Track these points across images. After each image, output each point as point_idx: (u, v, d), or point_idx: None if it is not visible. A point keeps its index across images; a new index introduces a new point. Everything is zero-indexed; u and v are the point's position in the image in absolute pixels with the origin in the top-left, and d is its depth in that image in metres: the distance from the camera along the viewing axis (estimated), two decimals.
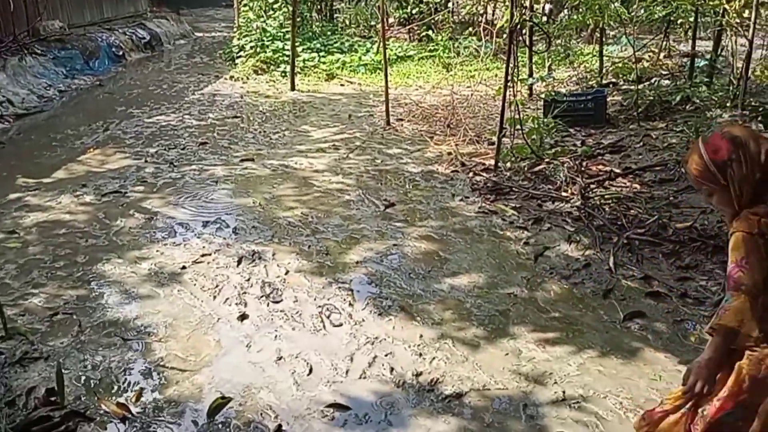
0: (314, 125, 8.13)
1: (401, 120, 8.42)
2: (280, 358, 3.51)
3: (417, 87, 10.64)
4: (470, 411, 3.14)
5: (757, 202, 2.12)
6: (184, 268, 4.47)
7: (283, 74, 11.38)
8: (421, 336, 3.72)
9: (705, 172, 2.13)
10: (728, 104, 7.40)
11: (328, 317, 3.90)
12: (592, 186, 5.79)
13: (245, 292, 4.16)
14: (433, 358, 3.53)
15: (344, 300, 4.07)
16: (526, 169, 6.26)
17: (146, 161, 6.88)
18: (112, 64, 13.08)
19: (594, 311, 4.00)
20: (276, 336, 3.72)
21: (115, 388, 3.28)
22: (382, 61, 8.38)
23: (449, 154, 6.97)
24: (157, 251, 4.73)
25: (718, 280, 4.18)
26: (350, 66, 12.20)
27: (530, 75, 8.82)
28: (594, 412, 3.12)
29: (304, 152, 7.07)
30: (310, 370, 3.42)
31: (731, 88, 7.85)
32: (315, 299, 4.08)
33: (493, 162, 6.45)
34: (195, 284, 4.27)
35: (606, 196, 5.51)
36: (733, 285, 2.13)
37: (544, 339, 3.71)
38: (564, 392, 3.25)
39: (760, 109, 6.96)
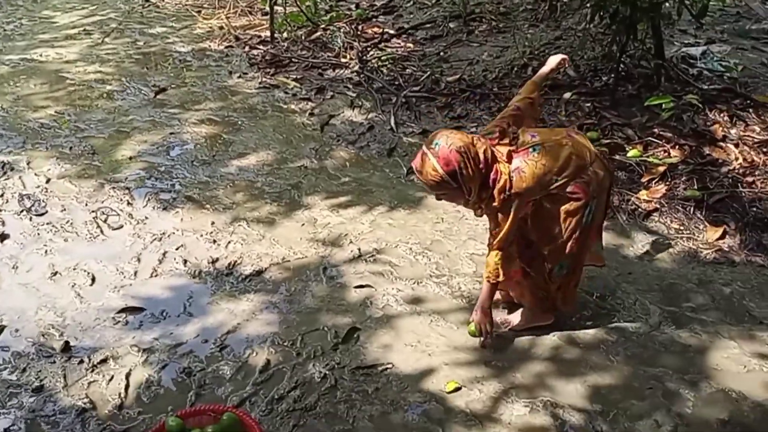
0: (58, 9, 6.99)
1: None
2: (55, 274, 3.16)
3: None
4: (271, 285, 3.14)
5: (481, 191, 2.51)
6: None
7: None
8: (213, 223, 3.57)
9: (441, 182, 2.44)
10: None
11: (104, 221, 3.56)
12: (369, 49, 5.79)
13: (1, 210, 3.62)
14: (229, 242, 3.42)
15: (121, 200, 3.73)
16: (303, 37, 6.04)
17: None
18: None
19: (380, 170, 4.13)
20: (46, 251, 3.32)
21: None
22: None
23: (221, 28, 6.45)
24: None
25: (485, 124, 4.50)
26: None
27: None
28: (388, 261, 3.29)
29: (50, 41, 6.08)
30: (93, 280, 3.14)
31: None
32: (86, 204, 3.68)
33: (269, 33, 6.12)
34: None
35: (383, 58, 5.55)
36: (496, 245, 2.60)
37: (336, 204, 3.77)
38: (359, 249, 3.37)
39: None
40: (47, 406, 2.49)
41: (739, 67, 4.93)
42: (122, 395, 2.53)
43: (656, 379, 2.62)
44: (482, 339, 2.73)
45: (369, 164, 4.20)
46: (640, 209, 3.62)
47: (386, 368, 2.67)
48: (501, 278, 2.63)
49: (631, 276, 3.19)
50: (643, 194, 3.70)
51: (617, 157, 3.99)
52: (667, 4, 4.49)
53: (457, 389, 2.58)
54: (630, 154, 4.00)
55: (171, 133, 4.47)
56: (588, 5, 4.77)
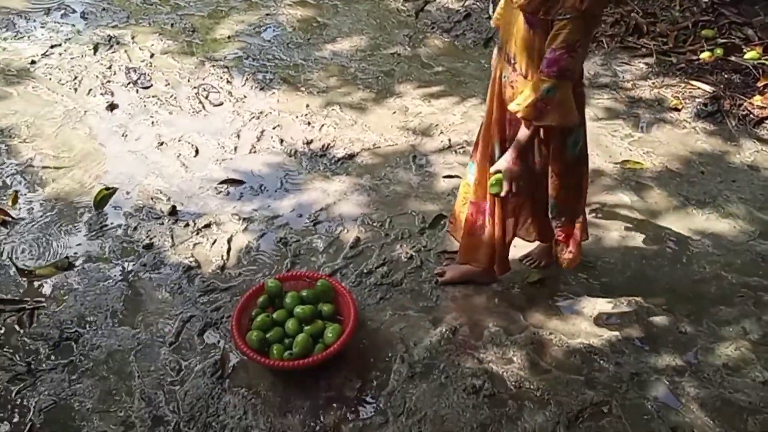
0: None
1: None
2: (161, 144, 3.34)
3: None
4: (362, 169, 3.21)
5: None
6: (33, 62, 3.97)
7: None
8: (307, 105, 3.63)
9: None
10: None
11: (206, 98, 3.68)
12: None
13: (109, 81, 3.80)
14: (322, 125, 3.49)
15: (221, 78, 3.83)
16: None
17: None
18: None
19: (475, 61, 4.02)
20: (153, 122, 3.50)
21: None
22: None
23: None
24: None
25: None
26: None
27: None
28: None
29: None
30: (197, 152, 3.30)
31: None
32: (188, 80, 3.81)
33: None
34: (50, 78, 3.84)
35: None
36: (557, 72, 1.88)
37: (428, 93, 3.73)
38: (449, 140, 3.37)
39: None
40: (156, 261, 2.72)
41: None
42: (224, 257, 2.72)
43: (749, 288, 2.57)
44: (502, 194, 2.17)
45: (463, 54, 4.09)
46: (752, 115, 3.40)
47: None
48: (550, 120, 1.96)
49: (734, 184, 3.05)
50: (757, 100, 3.46)
51: (733, 58, 3.71)
52: None
53: (540, 281, 2.61)
54: (747, 56, 3.71)
55: (267, 14, 4.47)
56: None
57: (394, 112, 3.59)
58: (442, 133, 3.43)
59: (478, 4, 4.53)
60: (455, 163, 3.23)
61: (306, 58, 4.03)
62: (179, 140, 3.36)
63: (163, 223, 2.89)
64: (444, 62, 4.01)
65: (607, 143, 3.31)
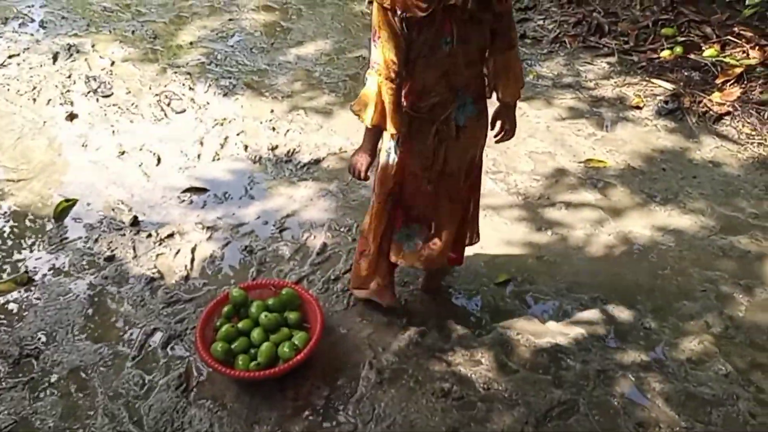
0: None
1: None
2: (123, 153, 3.29)
3: None
4: (328, 174, 3.19)
5: None
6: None
7: None
8: (272, 111, 3.60)
9: None
10: None
11: (168, 105, 3.63)
12: None
13: (68, 90, 3.73)
14: (288, 131, 3.46)
15: (183, 85, 3.78)
16: None
17: None
18: None
19: None
20: (114, 131, 3.44)
21: None
22: None
23: None
24: None
25: (554, 18, 4.30)
26: None
27: None
28: None
29: None
30: (159, 160, 3.25)
31: None
32: (150, 88, 3.75)
33: None
34: (8, 89, 3.75)
35: None
36: (370, 63, 1.88)
37: None
38: None
39: None
40: (119, 274, 2.66)
41: None
42: (188, 268, 2.68)
43: (711, 282, 2.61)
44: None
45: None
46: (711, 112, 3.46)
47: None
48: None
49: (696, 180, 3.10)
50: (716, 96, 3.52)
51: (692, 56, 3.78)
52: None
53: (507, 281, 2.62)
54: (706, 53, 3.78)
55: (230, 19, 4.44)
56: None
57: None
58: None
59: None
60: None
61: (270, 63, 4.00)
62: (141, 149, 3.31)
63: (125, 234, 2.84)
64: None
65: (571, 142, 3.34)
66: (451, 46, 1.87)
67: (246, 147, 3.34)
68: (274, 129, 3.47)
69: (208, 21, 4.41)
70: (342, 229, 2.86)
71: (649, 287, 2.60)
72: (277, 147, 3.34)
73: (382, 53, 1.83)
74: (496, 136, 2.17)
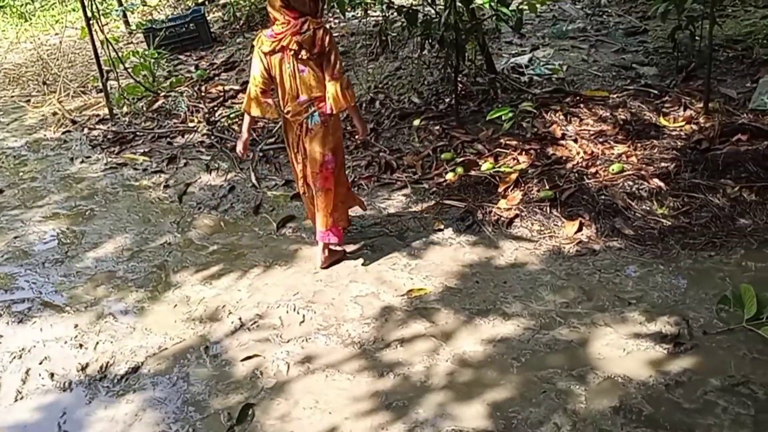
0: None
1: None
2: None
3: None
4: (150, 379, 2.94)
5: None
6: None
7: None
8: (76, 326, 3.31)
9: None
10: None
11: None
12: (215, 109, 5.69)
13: None
14: (97, 343, 3.18)
15: None
16: (145, 108, 5.84)
17: None
18: None
19: (249, 230, 4.03)
20: None
21: None
22: None
23: (54, 114, 6.11)
24: None
25: (348, 165, 4.55)
26: None
27: (120, 4, 8.04)
28: (272, 324, 3.20)
29: None
30: None
31: None
32: None
33: (107, 110, 5.86)
34: None
35: (231, 116, 5.47)
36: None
37: (208, 275, 3.63)
38: (240, 318, 3.25)
39: None
40: None
41: (564, 68, 5.35)
42: None
43: (547, 381, 2.71)
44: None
45: (236, 226, 4.09)
46: (502, 218, 3.78)
47: None
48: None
49: (506, 285, 3.30)
50: (502, 203, 3.87)
51: (473, 173, 4.16)
52: (486, 23, 4.79)
53: None
54: (483, 167, 4.18)
55: (15, 237, 4.13)
56: (416, 36, 4.98)
57: (176, 305, 3.41)
58: (230, 313, 3.31)
59: (240, 175, 4.62)
60: (251, 341, 3.11)
61: (67, 274, 3.73)
62: None
63: None
64: (218, 239, 3.96)
65: (390, 278, 3.44)
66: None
67: (52, 375, 3.00)
68: (81, 346, 3.17)
69: None
70: None
71: (495, 404, 2.63)
72: (87, 365, 3.04)
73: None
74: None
